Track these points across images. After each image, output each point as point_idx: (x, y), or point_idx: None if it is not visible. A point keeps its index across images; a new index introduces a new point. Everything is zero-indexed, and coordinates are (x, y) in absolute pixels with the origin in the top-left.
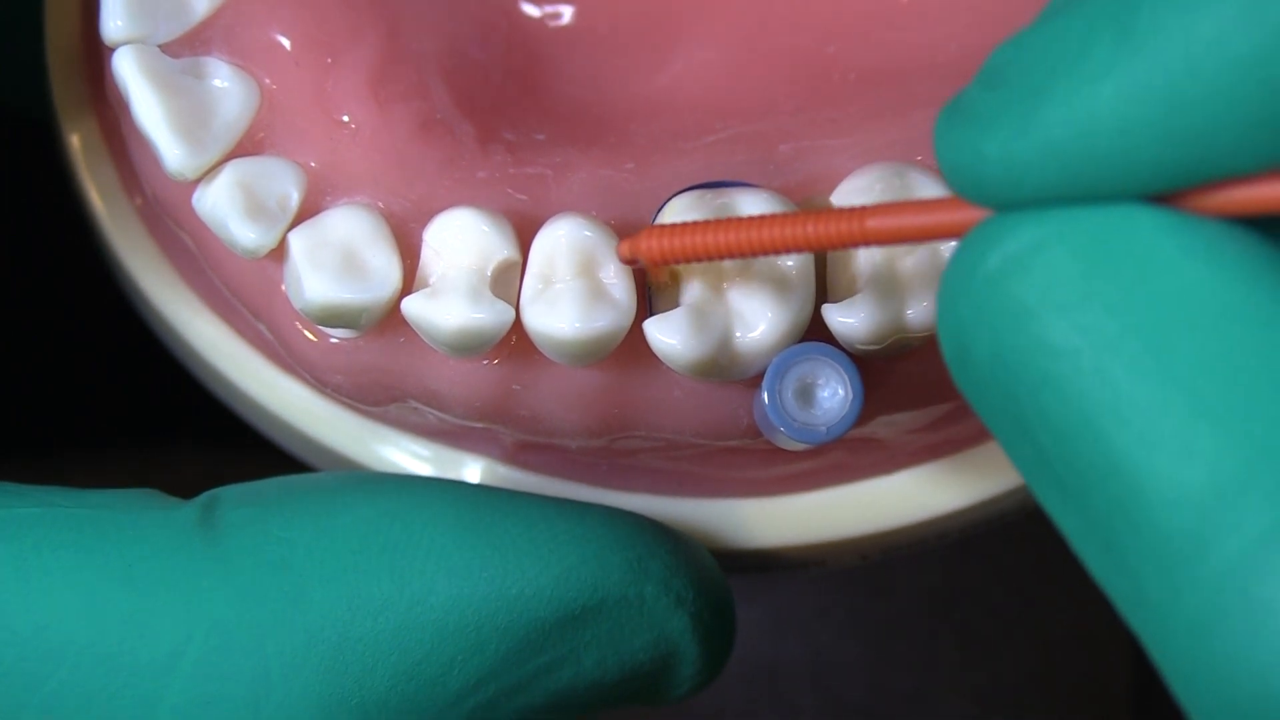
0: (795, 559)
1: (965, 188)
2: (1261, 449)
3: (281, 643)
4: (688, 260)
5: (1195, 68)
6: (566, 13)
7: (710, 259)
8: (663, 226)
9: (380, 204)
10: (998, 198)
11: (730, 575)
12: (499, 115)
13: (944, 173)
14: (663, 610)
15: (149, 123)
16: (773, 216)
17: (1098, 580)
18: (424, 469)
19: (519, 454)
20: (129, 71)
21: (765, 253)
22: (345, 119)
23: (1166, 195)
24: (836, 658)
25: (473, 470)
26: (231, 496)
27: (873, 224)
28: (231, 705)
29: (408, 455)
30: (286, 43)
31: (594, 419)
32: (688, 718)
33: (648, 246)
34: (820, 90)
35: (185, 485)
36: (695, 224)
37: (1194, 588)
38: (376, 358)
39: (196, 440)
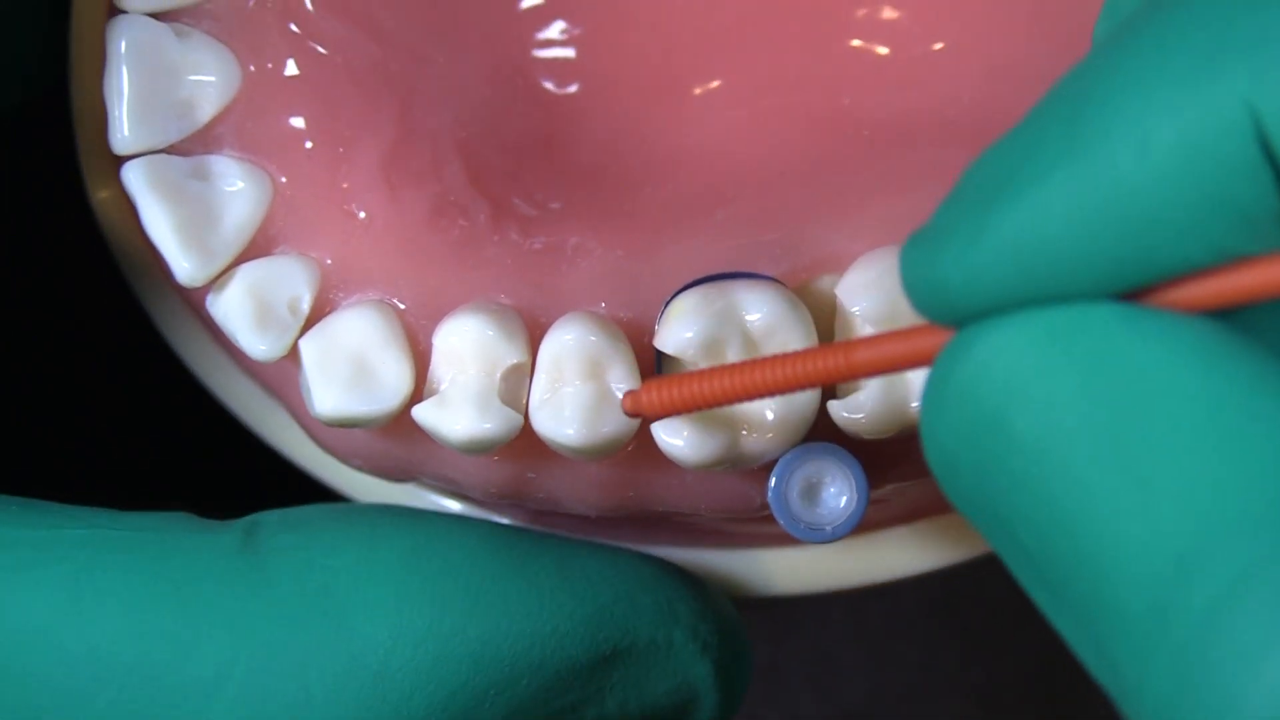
0: (816, 601)
1: (928, 306)
2: (1207, 525)
3: (324, 668)
4: (689, 410)
5: (1142, 153)
6: (580, 77)
7: (710, 407)
8: (662, 380)
9: (393, 299)
10: (961, 311)
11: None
12: (513, 185)
13: (907, 294)
14: (688, 657)
15: (158, 236)
16: (765, 361)
17: (1095, 677)
18: None
19: (542, 518)
20: (137, 186)
21: (763, 396)
22: (360, 213)
23: (1127, 294)
24: (836, 658)
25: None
26: (272, 522)
27: (858, 357)
28: None
29: None
30: (301, 131)
31: (609, 500)
32: None
33: (649, 401)
34: (833, 150)
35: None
36: (693, 375)
37: (1156, 668)
38: (392, 448)
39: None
